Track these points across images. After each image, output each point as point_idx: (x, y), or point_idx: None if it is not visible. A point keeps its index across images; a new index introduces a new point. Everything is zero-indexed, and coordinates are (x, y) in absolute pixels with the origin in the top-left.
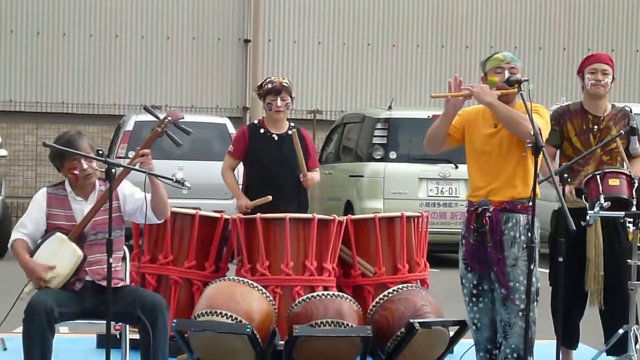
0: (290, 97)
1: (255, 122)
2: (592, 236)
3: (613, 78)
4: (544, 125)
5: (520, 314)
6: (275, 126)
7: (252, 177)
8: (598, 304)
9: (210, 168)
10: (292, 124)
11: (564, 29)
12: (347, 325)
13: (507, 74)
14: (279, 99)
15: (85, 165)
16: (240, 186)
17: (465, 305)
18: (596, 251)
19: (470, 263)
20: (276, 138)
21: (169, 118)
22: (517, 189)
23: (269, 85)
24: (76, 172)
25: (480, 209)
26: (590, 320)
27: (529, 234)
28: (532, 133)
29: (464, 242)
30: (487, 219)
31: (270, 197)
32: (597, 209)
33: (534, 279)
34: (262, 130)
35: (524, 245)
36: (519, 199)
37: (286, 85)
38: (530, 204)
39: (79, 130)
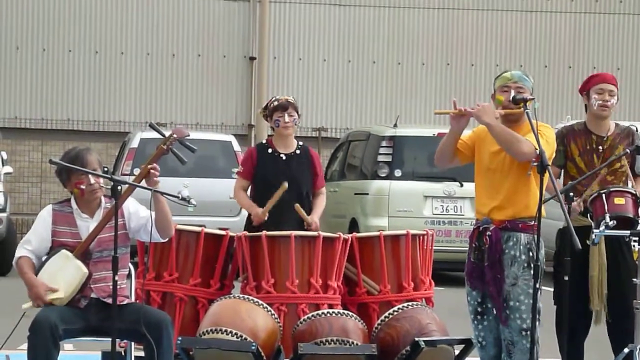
0: (297, 113)
1: (264, 141)
2: (595, 254)
3: (617, 98)
4: (546, 146)
5: (523, 333)
6: (283, 145)
7: (260, 197)
8: (602, 323)
9: (215, 185)
10: (301, 143)
11: (569, 47)
12: (352, 343)
13: (513, 93)
14: (286, 114)
15: (92, 180)
16: None
17: (470, 323)
18: (600, 269)
19: (470, 281)
20: (284, 158)
21: (175, 135)
22: (519, 207)
23: (275, 103)
24: (83, 186)
25: (482, 227)
26: (595, 337)
27: (530, 253)
28: (528, 153)
29: (467, 260)
30: (487, 237)
31: (286, 184)
32: (602, 227)
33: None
34: (270, 150)
35: (525, 265)
36: (520, 218)
37: (292, 101)
38: (533, 223)
39: (87, 146)
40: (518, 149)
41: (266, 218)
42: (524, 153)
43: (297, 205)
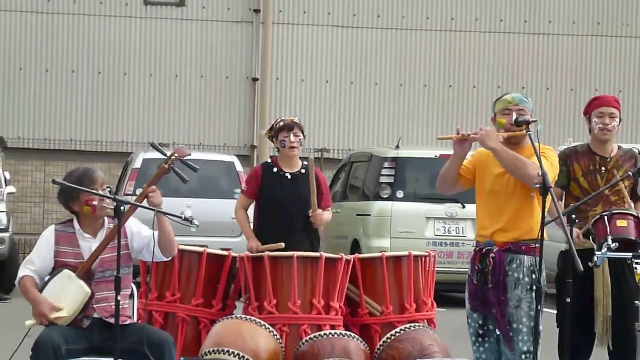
0: (303, 134)
1: (269, 161)
2: (600, 277)
3: (620, 120)
4: (550, 169)
5: (524, 356)
6: (288, 165)
7: (264, 216)
8: (606, 345)
9: (218, 206)
10: (306, 163)
11: (571, 70)
12: None
13: (515, 116)
14: (292, 135)
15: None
16: (252, 224)
17: (472, 346)
18: (605, 292)
19: (472, 303)
20: (289, 177)
21: (176, 155)
22: (522, 230)
23: (281, 124)
24: (95, 203)
25: (485, 250)
26: None
27: (533, 276)
28: (535, 176)
29: (468, 282)
30: (490, 259)
31: (282, 245)
32: (604, 250)
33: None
34: (275, 170)
35: (528, 287)
36: (523, 241)
37: (298, 122)
38: (536, 245)
39: (91, 166)
40: (525, 172)
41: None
42: (531, 176)
43: (311, 160)
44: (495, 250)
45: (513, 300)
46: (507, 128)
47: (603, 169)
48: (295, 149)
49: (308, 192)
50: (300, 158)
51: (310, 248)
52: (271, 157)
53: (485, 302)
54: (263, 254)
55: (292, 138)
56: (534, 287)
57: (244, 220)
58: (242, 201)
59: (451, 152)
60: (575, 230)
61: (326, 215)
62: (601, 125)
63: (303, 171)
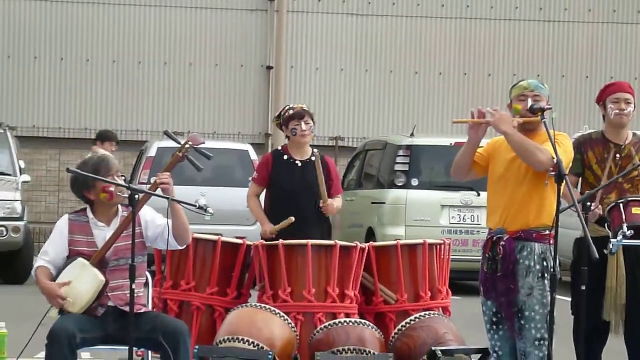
0: (313, 121)
1: (279, 148)
2: (613, 265)
3: (635, 106)
4: (564, 155)
5: (537, 343)
6: (299, 152)
7: (275, 203)
8: (621, 333)
9: (232, 194)
10: (315, 150)
11: (586, 57)
12: (370, 352)
13: (530, 102)
14: (302, 123)
15: (118, 182)
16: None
17: (486, 333)
18: (618, 281)
19: (485, 291)
20: (300, 164)
21: (190, 143)
22: (533, 216)
23: (290, 112)
24: (111, 189)
25: (495, 238)
26: (612, 348)
27: (544, 263)
28: (545, 162)
29: (480, 270)
30: (501, 247)
31: (292, 219)
32: (620, 237)
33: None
34: (285, 157)
35: (540, 275)
36: (534, 228)
37: (307, 109)
38: (547, 232)
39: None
40: (536, 158)
41: (274, 236)
42: (541, 162)
43: (317, 156)
44: (505, 239)
45: (525, 288)
46: (522, 114)
47: (617, 156)
48: (306, 136)
49: (318, 179)
50: (311, 146)
51: (320, 236)
52: (283, 145)
53: (496, 291)
54: (277, 241)
55: (304, 126)
56: (546, 275)
57: (256, 206)
58: (253, 189)
59: (465, 140)
60: (594, 206)
61: (337, 203)
62: (617, 111)
63: (313, 158)
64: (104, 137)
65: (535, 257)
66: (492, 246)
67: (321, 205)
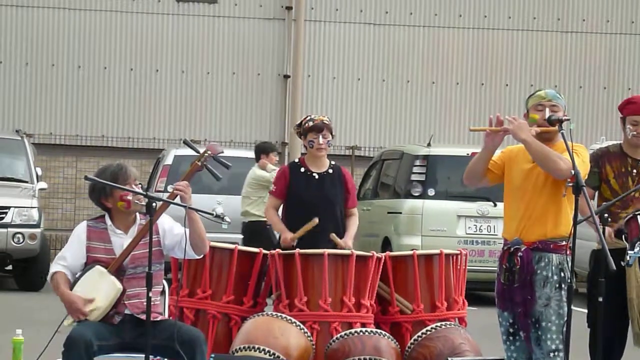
0: (331, 134)
1: (296, 160)
2: (632, 278)
3: None
4: (582, 165)
5: (552, 354)
6: (315, 164)
7: (292, 216)
8: None
9: None
10: (333, 162)
11: (604, 68)
12: None
13: (548, 112)
14: (320, 136)
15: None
16: None
17: (502, 344)
18: (637, 292)
19: (501, 302)
20: (317, 177)
21: (209, 152)
22: (550, 227)
23: (310, 123)
24: (129, 197)
25: (512, 248)
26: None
27: (562, 274)
28: (565, 170)
29: (496, 281)
30: (518, 258)
31: (316, 220)
32: (637, 249)
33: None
34: (302, 169)
35: (557, 285)
36: (551, 238)
37: (327, 122)
38: (564, 243)
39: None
40: (555, 165)
41: (294, 244)
42: (561, 169)
43: (333, 235)
44: (523, 249)
45: (542, 299)
46: (539, 123)
47: (634, 171)
48: (322, 150)
49: (335, 191)
50: (328, 157)
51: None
52: (302, 154)
53: (513, 301)
54: (294, 250)
55: (321, 140)
56: (563, 285)
57: (274, 217)
58: (271, 201)
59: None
60: (607, 229)
61: (352, 222)
62: (635, 133)
63: (330, 171)
64: (267, 149)
65: (553, 268)
66: (508, 257)
67: (338, 247)
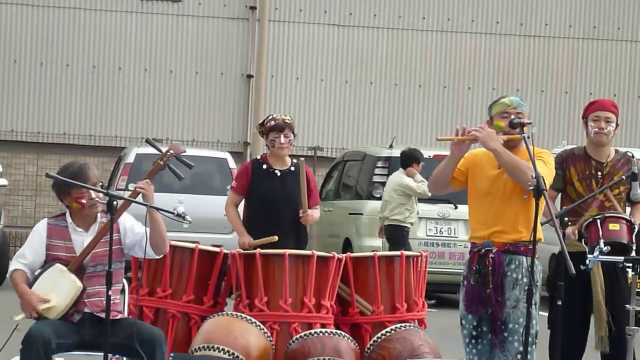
0: (293, 133)
1: (258, 157)
2: (596, 280)
3: (617, 125)
4: (547, 172)
5: (519, 356)
6: (278, 162)
7: (253, 212)
8: (604, 349)
9: (210, 202)
10: (295, 160)
11: (566, 73)
12: None
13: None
14: (282, 136)
15: (93, 195)
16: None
17: (464, 347)
18: (603, 295)
19: (469, 304)
20: (279, 174)
21: (171, 151)
22: (521, 232)
23: (272, 122)
24: (83, 201)
25: (483, 250)
26: None
27: (531, 276)
28: (533, 178)
29: (465, 283)
30: (489, 260)
31: (276, 238)
32: (596, 253)
33: (534, 322)
34: (264, 166)
35: (526, 288)
36: (522, 241)
37: (289, 122)
38: (529, 246)
39: (85, 161)
40: (525, 177)
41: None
42: (530, 181)
43: (302, 160)
44: (494, 251)
45: (510, 300)
46: (505, 131)
47: (599, 173)
48: (284, 149)
49: (297, 189)
50: (290, 156)
51: (298, 243)
52: (262, 154)
53: (482, 303)
54: (254, 250)
55: (282, 139)
56: (532, 288)
57: (234, 216)
58: (232, 197)
59: (444, 153)
60: (570, 228)
61: (315, 214)
62: (596, 129)
63: (292, 169)
64: (419, 158)
65: (523, 270)
66: (479, 258)
67: (301, 214)
